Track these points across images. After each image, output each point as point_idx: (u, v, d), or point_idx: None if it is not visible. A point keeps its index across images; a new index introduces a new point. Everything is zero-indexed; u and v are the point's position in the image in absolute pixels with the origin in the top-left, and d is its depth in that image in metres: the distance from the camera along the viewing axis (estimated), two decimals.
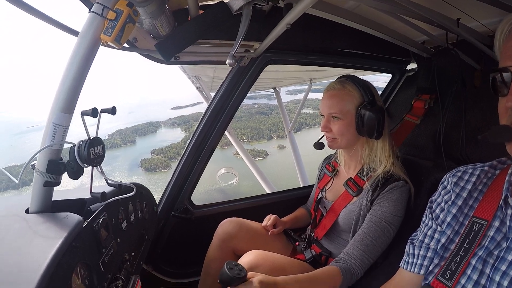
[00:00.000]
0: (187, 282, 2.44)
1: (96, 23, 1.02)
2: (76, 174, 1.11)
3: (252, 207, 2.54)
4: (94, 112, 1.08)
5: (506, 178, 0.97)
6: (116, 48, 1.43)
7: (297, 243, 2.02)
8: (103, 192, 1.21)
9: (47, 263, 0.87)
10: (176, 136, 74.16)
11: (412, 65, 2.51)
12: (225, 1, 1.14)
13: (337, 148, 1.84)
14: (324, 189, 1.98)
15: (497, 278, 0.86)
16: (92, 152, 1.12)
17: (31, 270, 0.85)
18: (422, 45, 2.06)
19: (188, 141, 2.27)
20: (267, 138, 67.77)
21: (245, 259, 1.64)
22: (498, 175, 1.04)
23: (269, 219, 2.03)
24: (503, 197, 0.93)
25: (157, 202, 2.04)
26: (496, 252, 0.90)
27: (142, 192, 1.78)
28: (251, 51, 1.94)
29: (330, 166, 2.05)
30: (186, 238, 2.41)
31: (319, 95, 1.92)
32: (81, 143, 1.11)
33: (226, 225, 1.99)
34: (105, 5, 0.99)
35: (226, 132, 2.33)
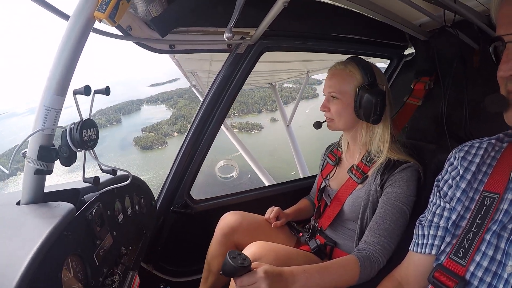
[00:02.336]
0: (189, 281, 2.39)
1: (89, 1, 0.98)
2: (68, 160, 1.05)
3: (254, 200, 2.50)
4: (86, 90, 1.02)
5: None
6: (109, 35, 1.40)
7: (300, 234, 1.98)
8: (96, 177, 1.15)
9: (33, 252, 0.81)
10: (162, 112, 74.71)
11: (410, 50, 2.49)
12: None
13: (335, 129, 1.79)
14: (327, 178, 1.93)
15: None
16: (85, 134, 1.06)
17: (16, 260, 0.79)
18: (419, 27, 2.03)
19: (186, 134, 2.22)
20: (257, 111, 69.22)
21: (249, 251, 1.58)
22: (507, 148, 1.01)
23: (271, 211, 1.98)
24: None
25: (155, 197, 2.00)
26: (510, 226, 0.87)
27: (139, 185, 1.74)
28: (247, 38, 1.90)
29: (332, 155, 2.00)
30: (187, 234, 2.36)
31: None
32: (73, 125, 1.05)
33: (228, 218, 1.94)
34: None
35: (222, 127, 2.28)
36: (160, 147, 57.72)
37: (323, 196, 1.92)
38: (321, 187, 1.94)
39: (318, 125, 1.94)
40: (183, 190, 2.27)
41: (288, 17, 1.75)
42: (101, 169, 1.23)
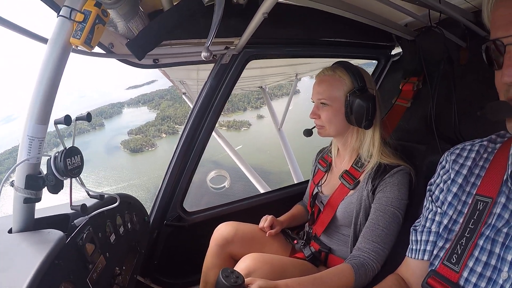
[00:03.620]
0: None
1: (65, 27, 0.99)
2: (55, 188, 1.07)
3: (247, 209, 2.48)
4: (67, 120, 1.03)
5: (510, 152, 0.92)
6: (91, 54, 1.39)
7: (295, 241, 1.96)
8: (83, 205, 1.15)
9: (27, 283, 0.82)
10: (145, 114, 74.72)
11: (397, 50, 2.49)
12: None
13: (326, 135, 1.78)
14: (319, 184, 1.92)
15: (509, 257, 0.81)
16: (69, 163, 1.07)
17: None
18: (405, 27, 2.03)
19: (176, 146, 2.20)
20: (242, 109, 69.81)
21: (243, 264, 1.57)
22: (500, 149, 0.99)
23: (265, 220, 1.96)
24: (509, 172, 0.89)
25: (148, 212, 1.97)
26: (505, 230, 0.85)
27: (130, 202, 1.72)
28: (231, 47, 1.89)
29: (323, 161, 1.99)
30: (182, 246, 2.34)
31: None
32: (57, 154, 1.06)
33: (222, 230, 1.92)
34: (73, 7, 0.97)
35: (214, 134, 2.27)
36: (150, 149, 57.67)
37: (316, 202, 1.91)
38: (314, 193, 1.92)
39: (308, 133, 1.94)
40: (176, 203, 2.25)
41: (272, 24, 1.74)
42: (88, 195, 1.23)
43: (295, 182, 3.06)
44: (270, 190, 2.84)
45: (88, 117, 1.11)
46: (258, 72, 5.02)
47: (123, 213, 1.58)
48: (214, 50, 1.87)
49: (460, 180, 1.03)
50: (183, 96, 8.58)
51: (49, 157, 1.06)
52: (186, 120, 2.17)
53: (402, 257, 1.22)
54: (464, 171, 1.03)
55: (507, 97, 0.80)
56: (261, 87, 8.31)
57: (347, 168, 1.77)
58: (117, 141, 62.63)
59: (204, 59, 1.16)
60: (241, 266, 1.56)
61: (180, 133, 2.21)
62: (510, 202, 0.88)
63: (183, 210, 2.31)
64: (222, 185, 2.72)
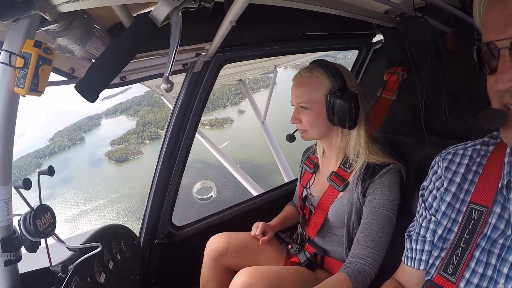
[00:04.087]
0: None
1: (7, 75, 0.87)
2: (32, 247, 1.04)
3: (238, 215, 2.44)
4: (26, 184, 0.98)
5: (506, 160, 0.89)
6: (55, 84, 1.30)
7: (289, 246, 1.93)
8: (63, 265, 1.12)
9: None
10: (125, 123, 74.39)
11: (378, 37, 2.40)
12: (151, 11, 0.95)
13: (310, 139, 1.73)
14: (307, 186, 1.88)
15: (505, 270, 0.80)
16: (40, 223, 1.02)
17: None
18: (385, 15, 1.94)
19: (157, 159, 2.12)
20: (222, 106, 70.10)
21: (238, 280, 1.54)
22: (493, 152, 0.96)
23: (257, 227, 1.92)
24: (505, 182, 0.86)
25: (137, 234, 1.94)
26: (501, 241, 0.83)
27: (116, 232, 1.67)
28: (202, 54, 1.78)
29: (310, 162, 1.95)
30: (176, 262, 2.29)
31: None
32: (26, 216, 1.01)
33: (214, 243, 1.88)
34: (11, 51, 0.84)
35: (198, 136, 2.19)
36: (136, 157, 57.33)
37: (306, 204, 1.88)
38: (303, 195, 1.90)
39: (291, 138, 1.91)
40: (164, 219, 2.19)
41: (243, 27, 1.64)
42: (68, 249, 1.22)
43: (286, 182, 3.00)
44: (260, 193, 2.80)
45: (49, 170, 1.06)
46: (236, 69, 4.93)
47: (110, 247, 1.55)
48: (184, 59, 1.76)
49: (453, 189, 1.01)
50: (162, 98, 8.41)
51: (19, 218, 1.02)
52: (165, 131, 2.09)
53: (397, 256, 1.21)
54: (458, 179, 1.01)
55: (500, 104, 0.77)
56: (241, 79, 8.18)
57: (335, 169, 1.73)
58: (100, 153, 61.80)
59: (164, 91, 1.05)
60: (236, 283, 1.54)
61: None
62: (505, 211, 0.86)
63: (173, 226, 2.25)
64: (209, 195, 2.68)
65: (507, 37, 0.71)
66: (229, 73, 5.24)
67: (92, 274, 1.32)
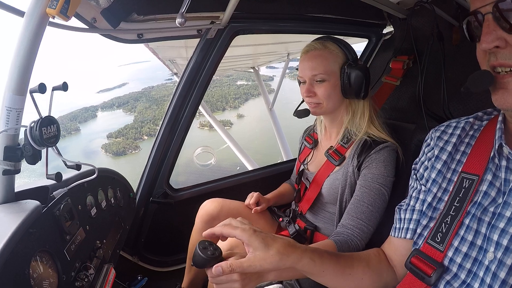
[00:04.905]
0: (174, 270, 2.40)
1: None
2: (33, 158, 1.07)
3: (234, 186, 2.49)
4: (41, 88, 1.01)
5: (497, 126, 0.89)
6: (74, 29, 1.35)
7: (280, 219, 1.95)
8: (58, 173, 1.13)
9: None
10: (122, 117, 74.01)
11: (389, 29, 2.44)
12: None
13: (322, 113, 1.74)
14: (305, 162, 1.91)
15: (495, 237, 0.78)
16: (45, 132, 1.06)
17: None
18: (397, 5, 1.97)
19: (161, 122, 2.18)
20: (221, 109, 70.51)
21: (224, 242, 1.55)
22: (486, 126, 0.97)
23: (251, 197, 1.96)
24: (496, 147, 0.86)
25: (134, 190, 1.97)
26: (491, 209, 0.82)
27: (114, 178, 1.72)
28: (217, 22, 1.84)
29: (309, 138, 1.97)
30: (169, 224, 2.35)
31: None
32: (33, 124, 1.05)
33: (207, 206, 1.92)
34: None
35: (202, 110, 2.24)
36: (133, 152, 57.07)
37: (302, 179, 1.89)
38: (300, 170, 1.91)
39: (304, 112, 1.89)
40: (162, 180, 2.25)
41: (257, 1, 1.69)
42: (66, 165, 1.22)
43: (284, 160, 3.04)
44: (258, 167, 2.83)
45: (64, 86, 1.09)
46: (249, 50, 4.96)
47: (105, 188, 1.58)
48: (199, 25, 1.83)
49: (444, 157, 1.00)
50: (174, 76, 8.49)
51: (25, 128, 1.05)
52: (171, 96, 2.14)
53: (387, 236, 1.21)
54: (449, 148, 1.00)
55: (488, 66, 0.79)
56: (254, 67, 8.27)
57: (333, 144, 1.75)
58: (95, 145, 61.41)
59: (178, 25, 1.13)
60: (222, 243, 1.57)
61: None
62: (497, 179, 0.85)
63: (170, 187, 2.31)
64: (209, 162, 2.72)
65: (489, 2, 0.74)
66: (242, 54, 5.26)
67: (84, 204, 1.36)
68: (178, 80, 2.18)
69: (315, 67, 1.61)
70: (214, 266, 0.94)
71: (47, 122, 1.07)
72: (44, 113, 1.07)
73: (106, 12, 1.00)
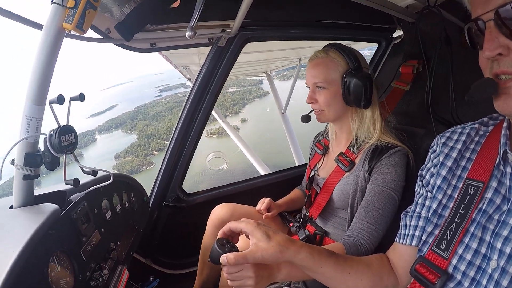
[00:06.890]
0: (187, 273, 2.43)
1: (58, 13, 1.01)
2: (51, 164, 1.12)
3: (246, 191, 2.51)
4: (60, 99, 1.07)
5: (502, 133, 0.88)
6: (90, 40, 1.41)
7: (291, 224, 1.96)
8: (76, 178, 1.19)
9: (19, 251, 0.88)
10: (123, 137, 74.35)
11: (398, 33, 2.44)
12: None
13: (326, 120, 1.77)
14: (316, 168, 1.92)
15: (499, 245, 0.77)
16: (64, 140, 1.11)
17: (4, 258, 0.86)
18: (406, 9, 1.98)
19: (174, 128, 2.23)
20: (224, 116, 70.14)
21: (240, 242, 1.58)
22: (492, 132, 0.96)
23: (262, 203, 1.97)
24: (501, 154, 0.85)
25: (148, 194, 2.01)
26: (496, 216, 0.81)
27: (129, 182, 1.77)
28: (227, 30, 1.88)
29: (320, 144, 1.98)
30: (181, 227, 2.39)
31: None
32: (52, 132, 1.10)
33: (218, 211, 1.95)
34: None
35: (216, 115, 2.29)
36: (148, 168, 57.17)
37: (313, 185, 1.90)
38: (310, 176, 1.92)
39: (306, 118, 1.91)
40: (175, 184, 2.29)
41: (267, 6, 1.72)
42: (83, 171, 1.27)
43: (296, 165, 3.05)
44: (270, 172, 2.85)
45: (81, 97, 1.14)
46: (262, 56, 5.00)
47: (120, 192, 1.63)
48: (210, 33, 1.87)
49: (449, 163, 0.99)
50: (188, 82, 8.58)
51: (45, 136, 1.11)
52: (184, 103, 2.19)
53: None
54: (454, 154, 0.99)
55: (491, 74, 0.78)
56: (266, 72, 8.29)
57: (343, 150, 1.75)
58: (106, 167, 60.21)
59: (188, 38, 1.17)
60: (241, 243, 1.57)
61: None
62: (502, 186, 0.84)
63: (182, 192, 2.36)
64: (221, 167, 2.74)
65: (491, 9, 0.73)
66: (254, 59, 5.29)
67: (100, 208, 1.41)
68: (190, 86, 2.22)
69: (316, 75, 1.64)
70: (220, 256, 1.01)
71: (65, 131, 1.12)
72: (62, 122, 1.12)
73: (119, 26, 1.05)
